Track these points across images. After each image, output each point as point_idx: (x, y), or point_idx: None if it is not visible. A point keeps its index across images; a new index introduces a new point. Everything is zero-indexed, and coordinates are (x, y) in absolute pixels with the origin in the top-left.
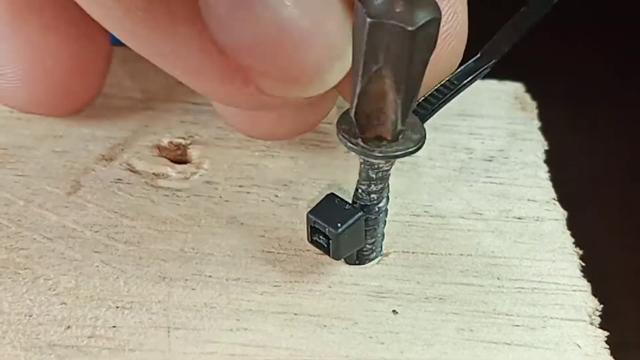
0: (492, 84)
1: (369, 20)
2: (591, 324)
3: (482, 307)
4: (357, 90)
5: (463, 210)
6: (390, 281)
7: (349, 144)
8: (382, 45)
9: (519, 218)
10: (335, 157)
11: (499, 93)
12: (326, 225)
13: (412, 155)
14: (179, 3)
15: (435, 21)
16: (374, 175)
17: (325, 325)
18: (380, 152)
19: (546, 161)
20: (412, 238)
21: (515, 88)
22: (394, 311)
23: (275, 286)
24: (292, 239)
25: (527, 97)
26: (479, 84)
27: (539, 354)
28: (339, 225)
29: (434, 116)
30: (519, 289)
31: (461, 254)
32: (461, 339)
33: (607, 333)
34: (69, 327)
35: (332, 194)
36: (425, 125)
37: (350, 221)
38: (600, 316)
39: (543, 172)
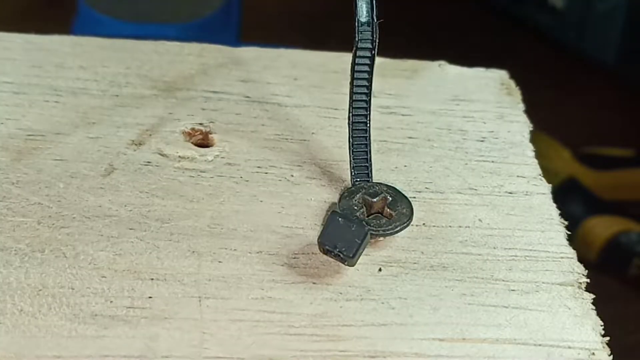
0: (480, 71)
1: None
2: (579, 287)
3: (480, 274)
4: None
5: (460, 186)
6: (398, 252)
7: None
8: None
9: (510, 193)
10: (343, 140)
11: (487, 80)
12: (340, 253)
13: (412, 137)
14: None
15: None
16: None
17: (341, 293)
18: (384, 230)
19: (531, 140)
20: (416, 212)
21: (500, 75)
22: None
23: (294, 258)
24: (307, 215)
25: (512, 83)
26: (468, 72)
27: (533, 316)
28: (354, 252)
29: (430, 102)
30: (513, 257)
31: (460, 226)
32: (464, 303)
33: (593, 295)
34: (108, 298)
35: (334, 212)
36: (423, 109)
37: (359, 241)
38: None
39: (529, 150)
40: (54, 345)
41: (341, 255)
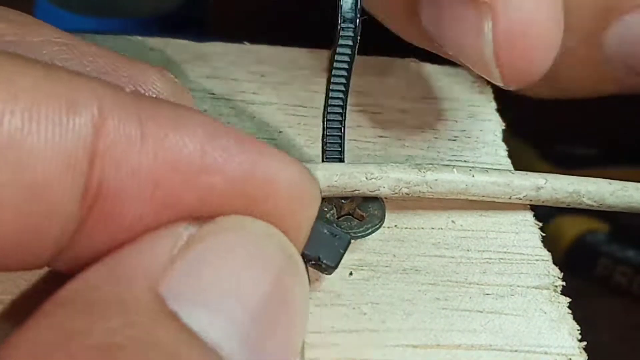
0: (451, 69)
1: None
2: (554, 291)
3: (454, 278)
4: None
5: None
6: (369, 255)
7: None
8: None
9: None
10: (311, 138)
11: (458, 78)
12: (322, 264)
13: (383, 136)
14: None
15: None
16: None
17: (310, 298)
18: (355, 233)
19: (504, 140)
20: (388, 214)
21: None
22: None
23: None
24: None
25: (484, 81)
26: (439, 69)
27: (509, 321)
28: (337, 262)
29: (401, 100)
30: (487, 260)
31: (432, 228)
32: (437, 308)
33: (569, 299)
34: None
35: (317, 220)
36: (394, 107)
37: (343, 251)
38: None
39: (502, 150)
40: None
41: (323, 266)
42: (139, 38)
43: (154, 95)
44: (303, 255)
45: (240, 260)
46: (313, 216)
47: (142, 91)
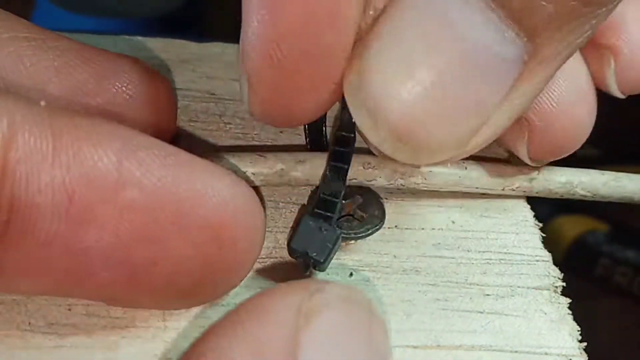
0: None
1: None
2: (555, 291)
3: (454, 278)
4: None
5: None
6: (369, 255)
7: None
8: None
9: (484, 194)
10: None
11: None
12: (311, 258)
13: None
14: None
15: None
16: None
17: None
18: (355, 233)
19: None
20: (388, 214)
21: None
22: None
23: (262, 262)
24: (275, 217)
25: None
26: None
27: (509, 321)
28: (326, 257)
29: None
30: (487, 260)
31: (433, 228)
32: (437, 308)
33: (569, 300)
34: (67, 307)
35: (305, 215)
36: None
37: (331, 246)
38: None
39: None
40: (6, 358)
41: (312, 261)
42: (139, 38)
43: (125, 84)
44: (290, 250)
45: (353, 338)
46: (253, 229)
47: (112, 81)
